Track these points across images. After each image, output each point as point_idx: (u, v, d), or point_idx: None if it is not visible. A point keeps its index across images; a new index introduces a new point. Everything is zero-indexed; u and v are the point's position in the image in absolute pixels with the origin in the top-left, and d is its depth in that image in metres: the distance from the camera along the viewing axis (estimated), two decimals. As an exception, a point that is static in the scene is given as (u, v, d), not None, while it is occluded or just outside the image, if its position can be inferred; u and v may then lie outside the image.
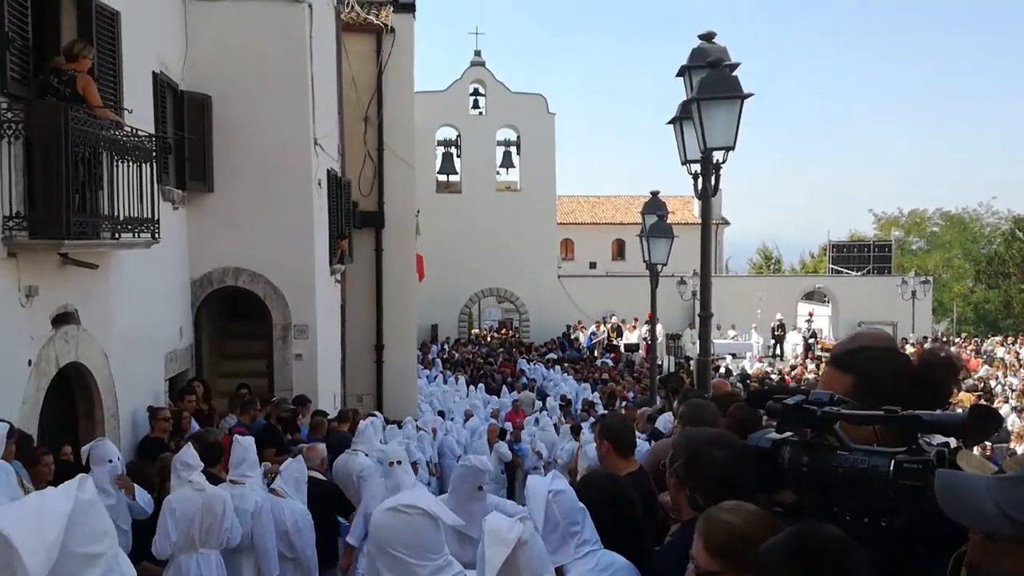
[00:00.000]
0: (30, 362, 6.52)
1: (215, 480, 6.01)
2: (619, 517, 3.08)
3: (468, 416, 16.06)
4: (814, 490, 1.63)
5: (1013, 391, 22.33)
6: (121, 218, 7.37)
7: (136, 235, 7.72)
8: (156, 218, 8.04)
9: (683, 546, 2.40)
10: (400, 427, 12.74)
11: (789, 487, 1.68)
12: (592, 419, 15.15)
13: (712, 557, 2.04)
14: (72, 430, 7.68)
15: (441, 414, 16.15)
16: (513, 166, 31.33)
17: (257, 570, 6.02)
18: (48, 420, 6.82)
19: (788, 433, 1.67)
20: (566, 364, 25.01)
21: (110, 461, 6.02)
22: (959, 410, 1.89)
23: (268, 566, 5.92)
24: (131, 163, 7.46)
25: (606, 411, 16.34)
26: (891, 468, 1.53)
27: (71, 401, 7.72)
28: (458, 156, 30.75)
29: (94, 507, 1.58)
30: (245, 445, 6.08)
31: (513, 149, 31.12)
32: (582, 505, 2.94)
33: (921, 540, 1.57)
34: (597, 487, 3.16)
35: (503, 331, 33.20)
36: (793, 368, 25.49)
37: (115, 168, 7.23)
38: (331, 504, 6.75)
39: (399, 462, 6.12)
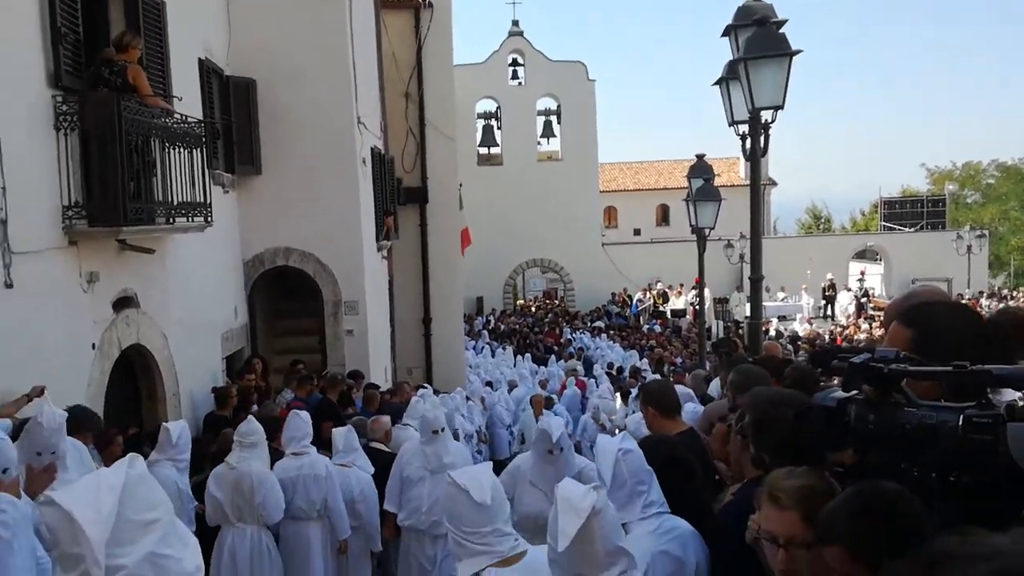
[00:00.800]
0: (94, 345, 6.74)
1: (276, 454, 6.18)
2: (678, 478, 3.10)
3: (512, 386, 16.16)
4: (881, 447, 1.63)
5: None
6: (175, 203, 7.54)
7: (190, 219, 7.90)
8: (208, 202, 8.21)
9: (745, 504, 2.41)
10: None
11: (855, 445, 1.68)
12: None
13: (810, 525, 1.99)
14: (136, 410, 7.94)
15: (489, 384, 16.30)
16: (554, 135, 31.16)
17: (329, 536, 6.19)
18: (113, 401, 7.05)
19: (854, 391, 1.67)
20: (612, 332, 24.97)
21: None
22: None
23: (340, 526, 6.12)
24: (182, 149, 7.61)
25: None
26: (960, 423, 1.53)
27: (134, 382, 7.97)
28: (499, 128, 30.66)
29: (144, 480, 1.71)
30: (304, 419, 6.22)
31: (553, 118, 30.92)
32: (649, 467, 2.96)
33: (992, 495, 1.57)
34: (653, 450, 3.18)
35: (548, 301, 33.24)
36: (844, 328, 25.12)
37: (167, 155, 7.38)
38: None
39: (442, 429, 6.17)
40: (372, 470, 6.46)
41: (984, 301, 27.46)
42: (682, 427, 4.15)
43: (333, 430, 6.66)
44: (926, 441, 1.58)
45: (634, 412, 12.67)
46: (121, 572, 1.60)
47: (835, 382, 2.18)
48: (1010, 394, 1.61)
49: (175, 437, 5.76)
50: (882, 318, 3.14)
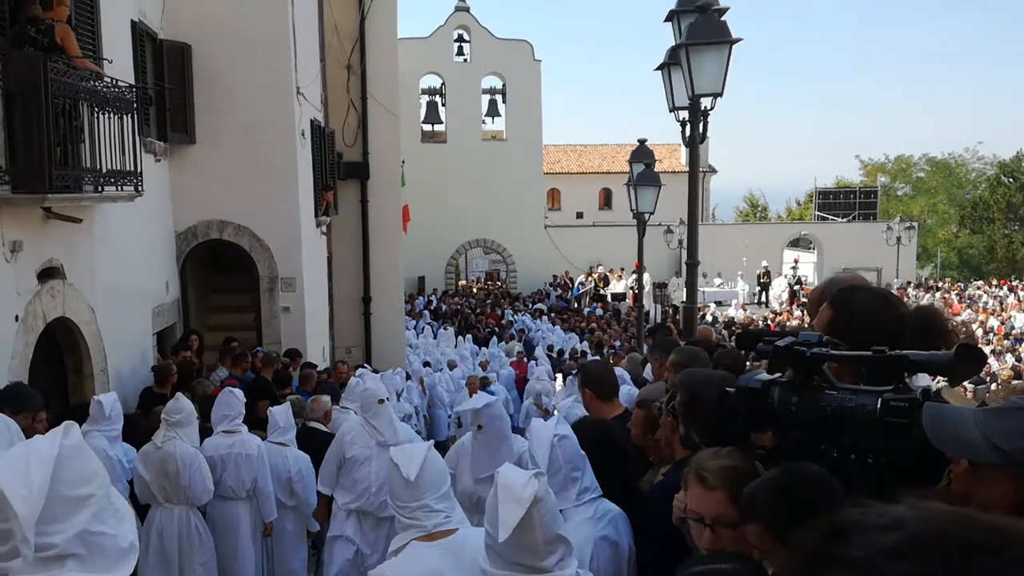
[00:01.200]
0: (17, 317, 6.48)
1: (209, 433, 6.06)
2: (612, 461, 3.13)
3: (452, 366, 16.15)
4: (803, 429, 1.67)
5: (994, 335, 22.69)
6: (104, 171, 7.29)
7: (119, 188, 7.64)
8: (139, 171, 7.96)
9: (675, 484, 2.45)
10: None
11: (778, 426, 1.71)
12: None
13: (736, 505, 2.02)
14: (62, 386, 7.69)
15: (428, 365, 16.25)
16: (499, 115, 31.01)
17: (259, 517, 6.12)
18: (38, 377, 6.81)
19: (778, 374, 1.70)
20: (553, 314, 25.12)
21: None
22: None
23: (267, 508, 6.04)
24: (112, 115, 7.35)
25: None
26: (878, 406, 1.57)
27: (60, 357, 7.71)
28: (443, 105, 30.37)
29: (80, 451, 1.63)
30: (237, 396, 6.11)
31: (499, 97, 30.75)
32: (583, 452, 2.97)
33: (906, 476, 1.62)
34: (587, 433, 3.20)
35: (490, 282, 33.24)
36: (778, 315, 25.74)
37: (96, 120, 7.12)
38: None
39: (386, 399, 5.83)
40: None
41: (911, 291, 28.43)
42: (619, 409, 4.18)
43: (271, 408, 6.55)
44: (845, 423, 1.62)
45: (571, 395, 12.79)
46: (52, 550, 1.54)
47: (761, 365, 2.22)
48: (925, 380, 1.66)
49: (107, 409, 5.69)
50: (807, 302, 3.23)
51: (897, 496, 0.86)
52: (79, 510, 1.58)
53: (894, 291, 26.05)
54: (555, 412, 12.14)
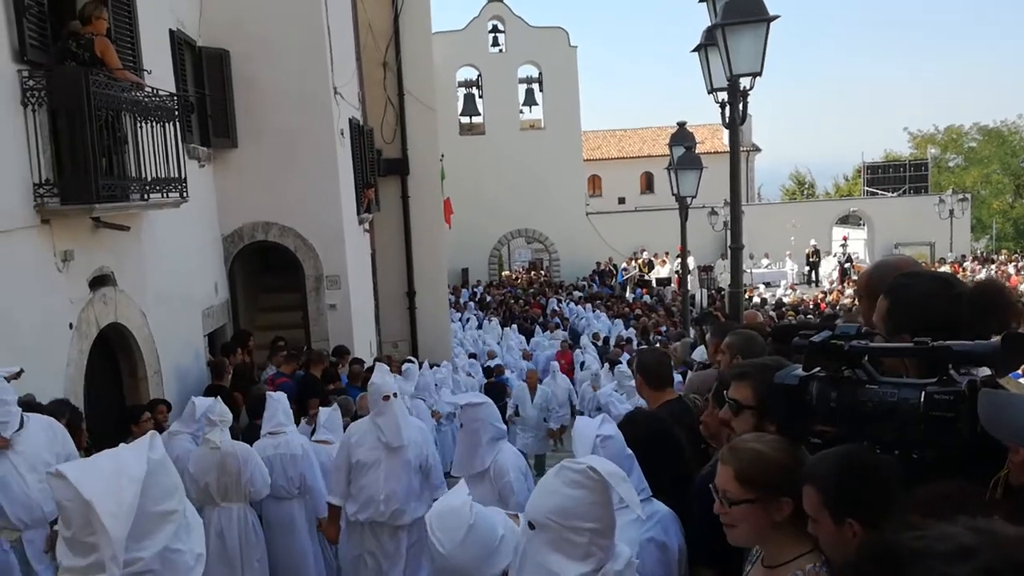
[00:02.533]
0: (71, 325, 6.66)
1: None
2: (664, 456, 3.08)
3: (491, 356, 16.16)
4: (844, 424, 1.63)
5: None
6: (149, 179, 7.42)
7: (165, 195, 7.78)
8: (183, 177, 8.09)
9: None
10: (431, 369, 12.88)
11: (818, 423, 1.68)
12: (627, 355, 15.21)
13: (743, 486, 2.10)
14: (118, 390, 7.89)
15: (473, 356, 16.31)
16: (536, 104, 30.94)
17: (312, 514, 6.20)
18: (93, 381, 7.00)
19: (816, 369, 1.66)
20: (598, 301, 25.01)
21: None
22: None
23: (319, 506, 6.09)
24: (155, 123, 7.48)
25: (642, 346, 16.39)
26: (921, 400, 1.52)
27: (115, 361, 7.91)
28: (480, 96, 30.38)
29: (163, 466, 1.65)
30: (277, 399, 6.22)
31: (535, 86, 30.67)
32: (630, 452, 2.90)
33: (953, 471, 1.57)
34: (641, 428, 3.14)
35: (533, 271, 33.22)
36: (828, 294, 25.26)
37: (139, 129, 7.26)
38: None
39: (394, 395, 5.39)
40: None
41: (967, 264, 27.65)
42: (670, 395, 4.13)
43: (320, 409, 6.65)
44: (887, 418, 1.57)
45: (611, 382, 12.68)
46: (136, 565, 1.56)
47: None
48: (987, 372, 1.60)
49: (199, 411, 5.91)
50: (856, 289, 3.16)
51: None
52: (162, 526, 1.61)
53: (947, 265, 25.40)
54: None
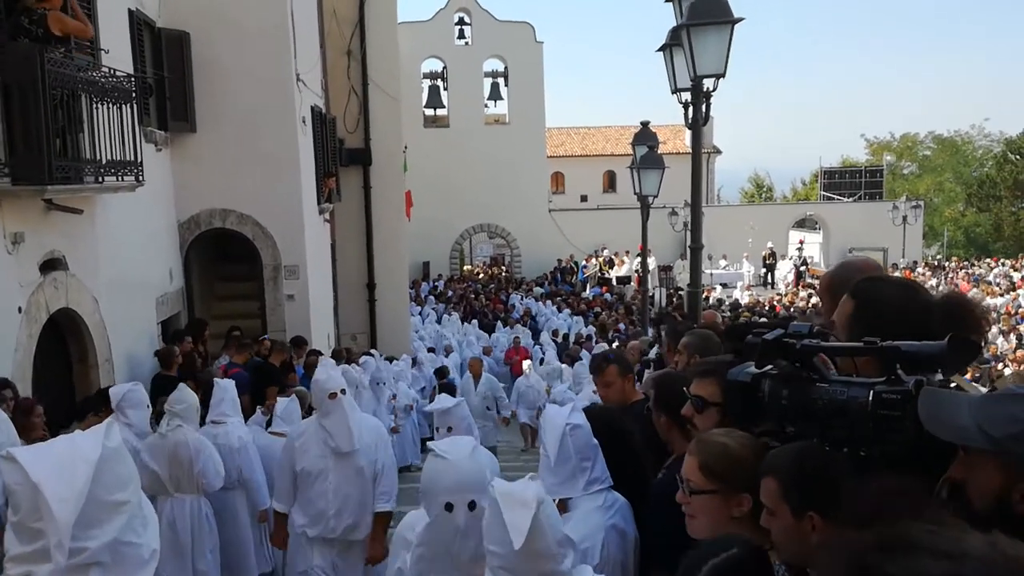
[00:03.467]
0: (20, 309, 6.50)
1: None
2: (617, 449, 3.11)
3: (448, 351, 16.16)
4: (794, 422, 1.66)
5: (1000, 314, 22.57)
6: (104, 161, 7.28)
7: (120, 178, 7.63)
8: (139, 160, 7.94)
9: (674, 477, 2.44)
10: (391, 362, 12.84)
11: (770, 420, 1.70)
12: (586, 352, 15.30)
13: (707, 477, 2.15)
14: (67, 377, 7.72)
15: (432, 351, 16.27)
16: (501, 98, 30.91)
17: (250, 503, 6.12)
18: (42, 367, 6.84)
19: (768, 367, 1.68)
20: (558, 298, 25.11)
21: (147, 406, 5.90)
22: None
23: (257, 498, 6.02)
24: (111, 105, 7.33)
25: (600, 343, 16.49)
26: (870, 399, 1.55)
27: (65, 347, 7.74)
28: (445, 89, 30.26)
29: (119, 454, 1.60)
30: (224, 387, 6.13)
31: (501, 80, 30.65)
32: (596, 442, 2.95)
33: (899, 469, 1.60)
34: (598, 421, 3.17)
35: (494, 267, 33.23)
36: (783, 296, 25.68)
37: (95, 110, 7.10)
38: None
39: (342, 391, 4.83)
40: None
41: (919, 270, 28.30)
42: (638, 396, 4.16)
43: (277, 399, 6.55)
44: (837, 416, 1.60)
45: (565, 382, 12.77)
46: (82, 555, 1.50)
47: None
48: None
49: (114, 400, 5.69)
50: (818, 287, 3.21)
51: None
52: (113, 517, 1.56)
53: (900, 271, 25.95)
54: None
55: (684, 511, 2.21)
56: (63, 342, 7.69)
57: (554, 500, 2.92)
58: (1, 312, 6.27)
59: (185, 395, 5.68)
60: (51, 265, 7.06)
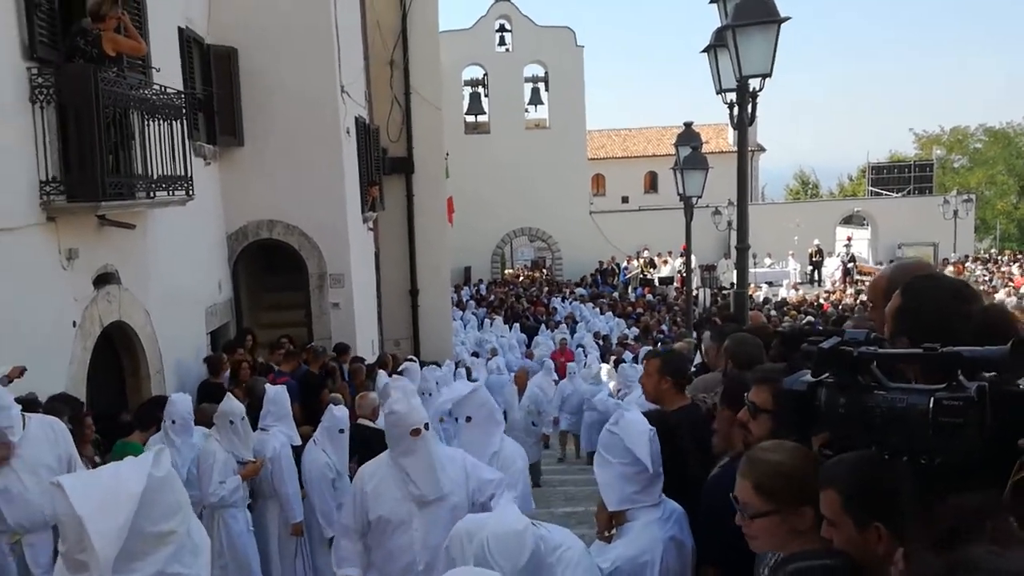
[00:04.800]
0: (75, 323, 6.67)
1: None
2: (672, 454, 3.09)
3: (493, 354, 16.15)
4: (852, 431, 1.63)
5: (1060, 309, 21.88)
6: (155, 177, 7.44)
7: (171, 193, 7.80)
8: (189, 175, 8.11)
9: (730, 478, 2.42)
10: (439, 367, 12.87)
11: (827, 429, 1.68)
12: (630, 354, 15.21)
13: (764, 498, 2.09)
14: (120, 389, 7.90)
15: (475, 355, 16.31)
16: (542, 103, 30.94)
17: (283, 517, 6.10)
18: (96, 380, 7.01)
19: (825, 375, 1.66)
20: (601, 300, 25.01)
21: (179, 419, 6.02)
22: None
23: (289, 512, 5.97)
24: (161, 121, 7.49)
25: (643, 345, 16.37)
26: (930, 406, 1.52)
27: (118, 360, 7.92)
28: (485, 96, 30.39)
29: (167, 483, 1.54)
30: (270, 396, 6.17)
31: (541, 85, 30.69)
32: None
33: (961, 477, 1.57)
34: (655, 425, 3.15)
35: (536, 270, 33.23)
36: (831, 294, 25.24)
37: (146, 127, 7.27)
38: (380, 449, 6.65)
39: (425, 426, 3.95)
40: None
41: (970, 265, 27.60)
42: (685, 401, 4.11)
43: (329, 407, 6.51)
44: (896, 424, 1.57)
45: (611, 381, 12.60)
46: None
47: None
48: None
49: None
50: (867, 287, 3.17)
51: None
52: (159, 548, 1.51)
53: (951, 266, 25.32)
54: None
55: (744, 532, 2.15)
56: (116, 355, 7.87)
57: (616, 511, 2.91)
58: (56, 326, 6.44)
59: (234, 405, 5.75)
60: (104, 279, 7.23)
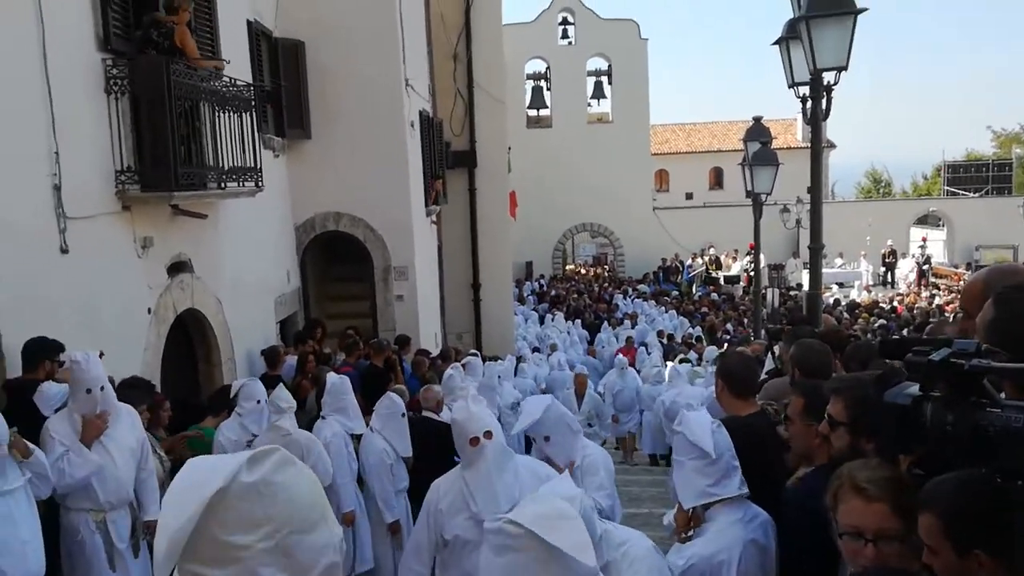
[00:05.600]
0: (149, 310, 6.82)
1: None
2: (759, 462, 3.00)
3: (553, 349, 16.04)
4: (960, 451, 1.51)
5: None
6: (225, 168, 7.55)
7: (241, 184, 7.90)
8: (259, 166, 8.20)
9: (816, 488, 2.31)
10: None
11: (932, 448, 1.56)
12: (695, 354, 14.95)
13: (901, 519, 1.96)
14: (193, 375, 8.06)
15: (537, 350, 16.24)
16: (604, 97, 30.68)
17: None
18: (169, 366, 7.16)
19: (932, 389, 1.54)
20: (664, 298, 24.68)
21: (257, 401, 6.10)
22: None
23: (341, 501, 5.92)
24: (231, 113, 7.59)
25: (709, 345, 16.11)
26: (1050, 428, 1.39)
27: (191, 347, 8.08)
28: (548, 89, 30.26)
29: (257, 492, 1.34)
30: (331, 385, 6.22)
31: (604, 79, 30.42)
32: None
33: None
34: (735, 434, 3.02)
35: (597, 266, 33.00)
36: (905, 296, 24.43)
37: (216, 119, 7.37)
38: (444, 443, 6.58)
39: (485, 435, 3.66)
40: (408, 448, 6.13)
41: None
42: (752, 408, 3.93)
43: (386, 393, 6.48)
44: (1011, 445, 1.44)
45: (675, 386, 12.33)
46: None
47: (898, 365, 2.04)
48: None
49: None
50: (960, 293, 2.96)
51: None
52: (228, 564, 1.34)
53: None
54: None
55: (863, 560, 2.01)
56: (189, 342, 8.04)
57: (693, 508, 2.81)
58: (131, 313, 6.59)
59: (285, 394, 5.79)
60: (178, 268, 7.38)
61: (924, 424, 1.54)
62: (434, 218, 14.09)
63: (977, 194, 32.72)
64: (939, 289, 25.27)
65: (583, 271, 32.03)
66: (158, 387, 6.47)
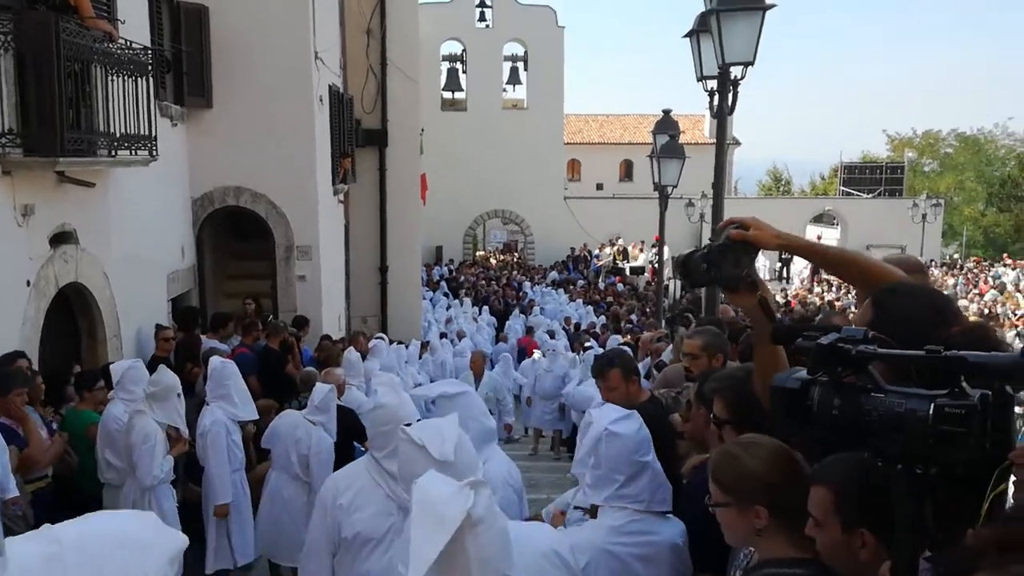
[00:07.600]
0: (28, 282, 6.43)
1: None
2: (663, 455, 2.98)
3: (461, 336, 16.00)
4: (845, 434, 1.52)
5: (1018, 316, 22.29)
6: (117, 135, 7.18)
7: (133, 152, 7.54)
8: (154, 135, 7.84)
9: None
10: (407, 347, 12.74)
11: (817, 430, 1.57)
12: (596, 343, 15.15)
13: (720, 489, 2.10)
14: (76, 352, 7.65)
15: (444, 336, 16.17)
16: (520, 83, 30.69)
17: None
18: (50, 340, 6.76)
19: (819, 373, 1.55)
20: (571, 287, 24.95)
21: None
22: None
23: (213, 492, 5.75)
24: (126, 77, 7.23)
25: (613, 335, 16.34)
26: (930, 413, 1.41)
27: (74, 322, 7.67)
28: (464, 72, 30.07)
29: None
30: (211, 370, 5.99)
31: (520, 65, 30.41)
32: (642, 460, 2.73)
33: (957, 487, 1.47)
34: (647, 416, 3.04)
35: (507, 253, 33.10)
36: (798, 291, 25.43)
37: (109, 83, 6.99)
38: (348, 429, 6.32)
39: (416, 419, 3.22)
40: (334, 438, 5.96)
41: (935, 270, 27.96)
42: (645, 396, 4.01)
43: (317, 384, 6.28)
44: (893, 430, 1.46)
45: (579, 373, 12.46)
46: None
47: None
48: None
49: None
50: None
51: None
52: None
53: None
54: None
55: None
56: (72, 317, 7.62)
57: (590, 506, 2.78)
58: (9, 285, 6.19)
59: (163, 377, 5.54)
60: (61, 239, 6.97)
61: (811, 407, 1.55)
62: (341, 197, 13.79)
63: (871, 195, 34.31)
64: (831, 286, 26.42)
65: (493, 260, 32.05)
66: (36, 364, 6.12)
